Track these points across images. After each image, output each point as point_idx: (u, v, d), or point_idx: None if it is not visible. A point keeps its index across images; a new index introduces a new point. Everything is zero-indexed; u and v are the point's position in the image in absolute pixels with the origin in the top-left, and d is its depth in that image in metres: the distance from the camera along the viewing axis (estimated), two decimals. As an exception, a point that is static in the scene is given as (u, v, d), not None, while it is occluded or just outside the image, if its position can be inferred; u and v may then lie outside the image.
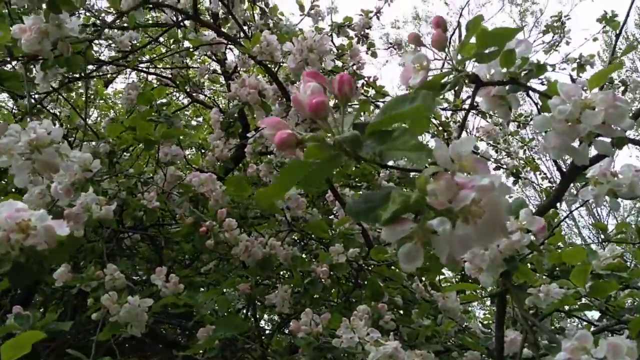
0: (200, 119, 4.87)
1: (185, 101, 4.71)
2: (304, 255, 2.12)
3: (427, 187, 0.45)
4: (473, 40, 0.72)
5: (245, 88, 1.64)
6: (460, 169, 0.47)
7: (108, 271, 1.40)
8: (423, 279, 1.84)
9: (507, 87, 0.83)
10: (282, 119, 0.53)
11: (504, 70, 0.81)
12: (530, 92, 0.86)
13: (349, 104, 0.64)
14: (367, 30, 3.18)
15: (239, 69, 2.98)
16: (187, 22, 2.19)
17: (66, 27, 1.12)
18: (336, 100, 0.51)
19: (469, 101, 3.09)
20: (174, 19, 2.51)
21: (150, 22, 3.19)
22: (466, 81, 0.71)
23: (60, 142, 0.89)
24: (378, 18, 3.29)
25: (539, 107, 0.88)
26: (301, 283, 1.96)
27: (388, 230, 0.46)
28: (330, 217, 2.84)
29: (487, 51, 0.71)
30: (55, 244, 0.55)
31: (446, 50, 0.68)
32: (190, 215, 1.45)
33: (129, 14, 1.57)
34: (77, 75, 1.87)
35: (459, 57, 0.71)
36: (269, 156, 2.61)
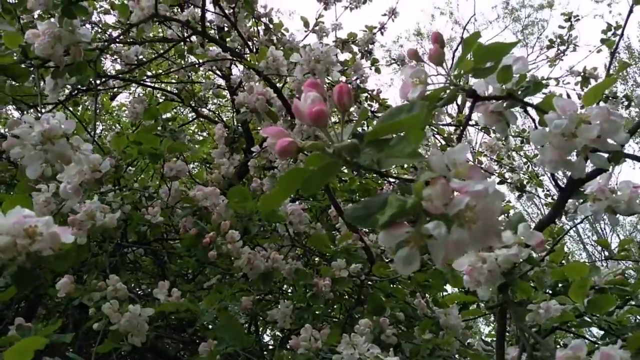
0: (205, 134, 4.90)
1: (190, 115, 4.75)
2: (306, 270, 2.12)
3: (423, 192, 0.46)
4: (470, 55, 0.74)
5: (253, 95, 1.66)
6: (455, 175, 0.48)
7: (110, 282, 1.41)
8: (426, 295, 1.84)
9: (504, 103, 0.85)
10: (282, 129, 0.55)
11: (502, 86, 0.82)
12: (529, 108, 0.87)
13: (349, 115, 0.65)
14: (370, 46, 3.22)
15: (243, 83, 3.01)
16: (193, 37, 2.22)
17: (79, 32, 1.15)
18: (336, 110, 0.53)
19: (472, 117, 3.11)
20: (180, 34, 2.55)
21: (155, 36, 3.23)
22: (463, 95, 0.72)
23: (72, 134, 0.91)
24: (382, 34, 3.32)
25: (536, 122, 0.90)
26: (303, 298, 1.96)
27: (385, 235, 0.47)
28: (333, 232, 2.85)
29: (484, 67, 0.73)
30: (59, 250, 0.57)
31: (444, 65, 0.70)
32: (194, 226, 1.47)
33: (138, 26, 1.60)
34: (84, 88, 1.89)
35: (456, 72, 0.72)
36: (272, 170, 2.64)
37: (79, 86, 1.45)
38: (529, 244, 0.94)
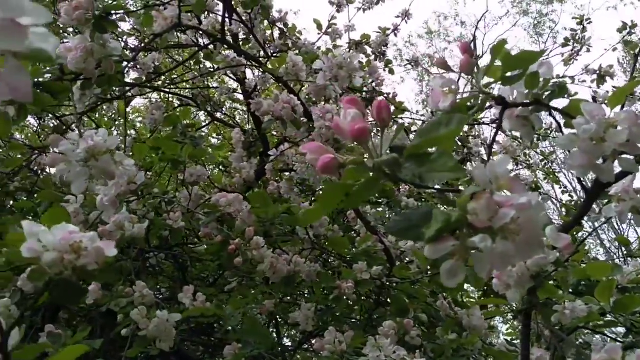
0: (219, 137, 4.93)
1: (203, 117, 4.78)
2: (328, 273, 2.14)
3: (467, 207, 0.47)
4: (497, 63, 0.75)
5: (279, 103, 1.68)
6: (498, 188, 0.49)
7: (137, 288, 1.43)
8: (445, 296, 1.85)
9: (530, 108, 0.86)
10: (322, 144, 0.56)
11: (526, 91, 0.83)
12: (553, 111, 0.88)
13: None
14: (384, 48, 3.23)
15: (259, 88, 3.03)
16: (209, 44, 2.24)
17: (109, 46, 1.17)
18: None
19: (486, 116, 3.11)
20: (195, 40, 2.58)
21: (171, 43, 3.26)
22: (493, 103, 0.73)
23: (115, 149, 0.93)
24: (395, 35, 3.33)
25: (561, 125, 0.90)
26: (323, 300, 1.98)
27: (431, 248, 0.48)
28: (350, 234, 2.86)
29: (512, 74, 0.74)
30: (104, 264, 0.59)
31: (473, 74, 0.71)
32: (219, 234, 1.49)
33: (162, 36, 1.63)
34: (108, 98, 1.92)
35: (485, 80, 0.73)
36: (289, 174, 2.65)
37: (104, 96, 1.47)
38: (557, 246, 0.95)
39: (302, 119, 2.08)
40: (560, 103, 0.87)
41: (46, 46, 0.32)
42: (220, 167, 3.98)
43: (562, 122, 0.90)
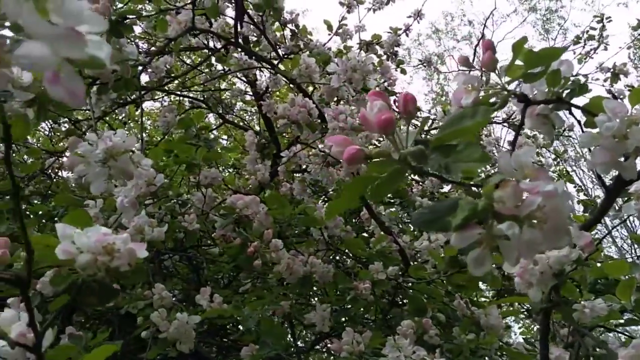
0: (230, 138, 4.95)
1: (213, 118, 4.79)
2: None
3: (494, 195, 0.47)
4: (518, 61, 0.75)
5: (295, 107, 1.69)
6: (523, 177, 0.49)
7: (156, 290, 1.44)
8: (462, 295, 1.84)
9: (550, 106, 0.86)
10: (347, 137, 0.56)
11: (546, 89, 0.83)
12: (572, 109, 0.88)
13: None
14: (395, 48, 3.23)
15: (270, 89, 3.04)
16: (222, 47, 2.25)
17: (126, 51, 1.18)
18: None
19: (497, 115, 3.10)
20: (206, 42, 2.59)
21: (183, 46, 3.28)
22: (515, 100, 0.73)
23: (133, 150, 0.93)
24: (407, 35, 3.33)
25: (581, 123, 0.90)
26: (336, 301, 1.98)
27: (458, 236, 0.48)
28: (363, 234, 2.86)
29: (533, 71, 0.74)
30: (135, 265, 0.59)
31: (496, 71, 0.71)
32: (238, 236, 1.49)
33: (176, 40, 1.64)
34: (122, 101, 1.94)
35: (506, 77, 0.73)
36: (301, 174, 2.66)
37: (119, 100, 1.48)
38: (578, 244, 0.95)
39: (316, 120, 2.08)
40: (578, 101, 0.87)
41: (100, 53, 0.33)
42: (232, 168, 3.99)
43: (582, 120, 0.89)
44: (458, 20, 13.60)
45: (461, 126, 0.52)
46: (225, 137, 5.05)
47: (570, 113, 0.94)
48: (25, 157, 3.11)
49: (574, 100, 0.87)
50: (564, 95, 0.84)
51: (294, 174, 2.80)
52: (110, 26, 1.16)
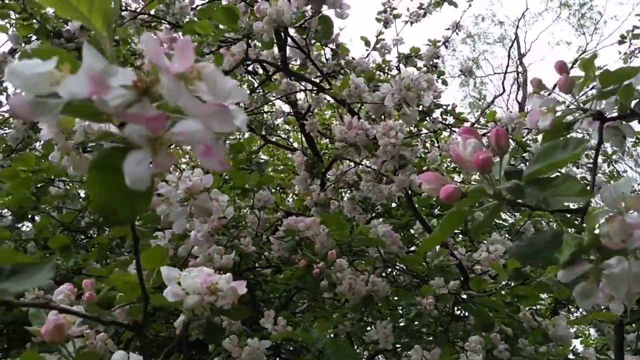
0: (272, 158, 5.00)
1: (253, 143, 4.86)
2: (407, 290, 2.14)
3: (600, 230, 0.48)
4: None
5: (353, 130, 1.71)
6: (625, 208, 0.50)
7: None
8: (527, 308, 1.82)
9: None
10: (438, 173, 0.58)
11: (613, 100, 0.83)
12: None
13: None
14: (435, 60, 3.23)
15: (312, 108, 3.07)
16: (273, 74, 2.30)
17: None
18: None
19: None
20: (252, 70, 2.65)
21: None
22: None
23: (210, 187, 0.97)
24: (446, 47, 3.33)
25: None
26: (392, 318, 1.97)
27: (566, 272, 0.49)
28: (411, 248, 2.86)
29: (607, 89, 0.74)
30: (237, 303, 0.62)
31: (572, 91, 0.72)
32: (303, 258, 1.51)
33: (231, 72, 1.68)
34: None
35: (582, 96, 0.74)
36: (349, 192, 2.67)
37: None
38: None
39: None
40: None
41: (237, 122, 0.36)
42: (277, 188, 4.03)
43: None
44: (488, 21, 13.46)
45: (555, 160, 0.53)
46: (265, 156, 5.11)
47: (640, 122, 0.94)
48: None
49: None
50: (632, 106, 0.84)
51: (341, 192, 2.82)
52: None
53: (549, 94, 0.77)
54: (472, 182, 0.56)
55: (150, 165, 0.34)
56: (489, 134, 0.56)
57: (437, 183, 0.56)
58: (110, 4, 0.37)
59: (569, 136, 0.56)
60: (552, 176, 0.53)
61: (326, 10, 1.62)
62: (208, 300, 0.60)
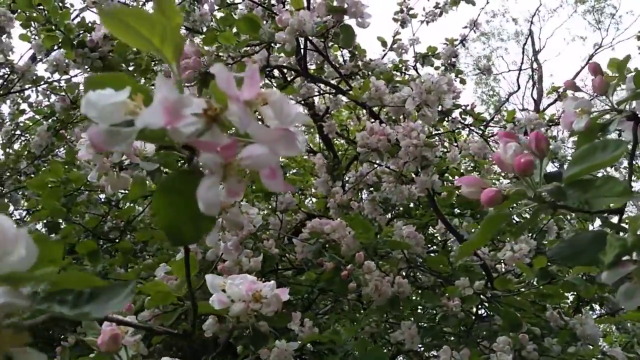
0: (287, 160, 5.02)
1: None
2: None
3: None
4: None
5: (375, 135, 1.71)
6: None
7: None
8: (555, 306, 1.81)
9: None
10: (477, 176, 0.58)
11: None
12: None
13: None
14: (453, 59, 3.22)
15: (330, 110, 3.08)
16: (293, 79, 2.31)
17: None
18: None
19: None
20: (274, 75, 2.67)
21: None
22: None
23: (241, 200, 0.98)
24: (464, 46, 3.32)
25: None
26: (417, 318, 1.98)
27: (610, 273, 0.49)
28: (429, 247, 2.86)
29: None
30: (281, 309, 0.63)
31: (607, 93, 0.72)
32: (330, 260, 1.53)
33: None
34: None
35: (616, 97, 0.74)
36: (369, 193, 2.68)
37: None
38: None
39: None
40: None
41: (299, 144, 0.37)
42: (298, 191, 4.05)
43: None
44: (501, 18, 13.39)
45: (596, 162, 0.54)
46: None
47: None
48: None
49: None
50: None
51: (359, 192, 2.82)
52: (201, 78, 1.22)
53: (568, 94, 0.77)
54: (493, 182, 0.57)
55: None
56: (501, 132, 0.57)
57: (477, 186, 0.57)
58: (180, 36, 0.38)
59: (607, 138, 0.56)
60: (592, 178, 0.54)
61: (347, 20, 1.63)
62: (253, 308, 0.61)
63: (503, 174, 3.09)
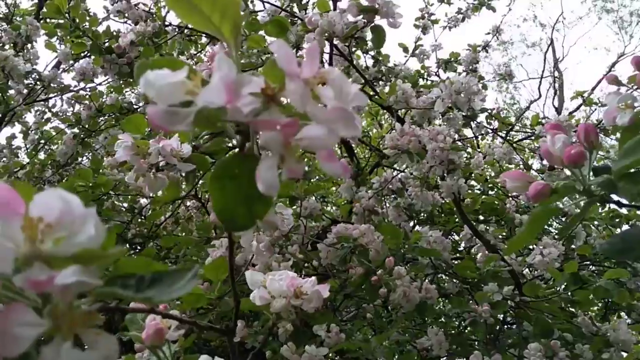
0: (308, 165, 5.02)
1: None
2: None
3: None
4: None
5: (405, 137, 1.70)
6: None
7: (282, 324, 1.47)
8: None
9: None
10: (524, 172, 0.57)
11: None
12: None
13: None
14: (475, 65, 3.21)
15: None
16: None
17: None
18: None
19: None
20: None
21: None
22: None
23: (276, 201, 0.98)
24: (486, 51, 3.30)
25: None
26: (442, 324, 1.95)
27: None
28: (454, 254, 2.83)
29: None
30: (322, 306, 0.62)
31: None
32: (360, 265, 1.51)
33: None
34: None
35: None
36: (394, 199, 2.66)
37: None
38: None
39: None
40: None
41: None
42: (320, 197, 4.05)
43: None
44: (523, 25, 13.30)
45: (646, 154, 0.52)
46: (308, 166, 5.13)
47: None
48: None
49: None
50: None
51: (383, 197, 2.81)
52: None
53: (585, 97, 0.75)
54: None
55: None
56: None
57: (524, 180, 0.56)
58: (240, 13, 0.38)
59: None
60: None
61: (378, 20, 1.62)
62: (294, 304, 0.61)
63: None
